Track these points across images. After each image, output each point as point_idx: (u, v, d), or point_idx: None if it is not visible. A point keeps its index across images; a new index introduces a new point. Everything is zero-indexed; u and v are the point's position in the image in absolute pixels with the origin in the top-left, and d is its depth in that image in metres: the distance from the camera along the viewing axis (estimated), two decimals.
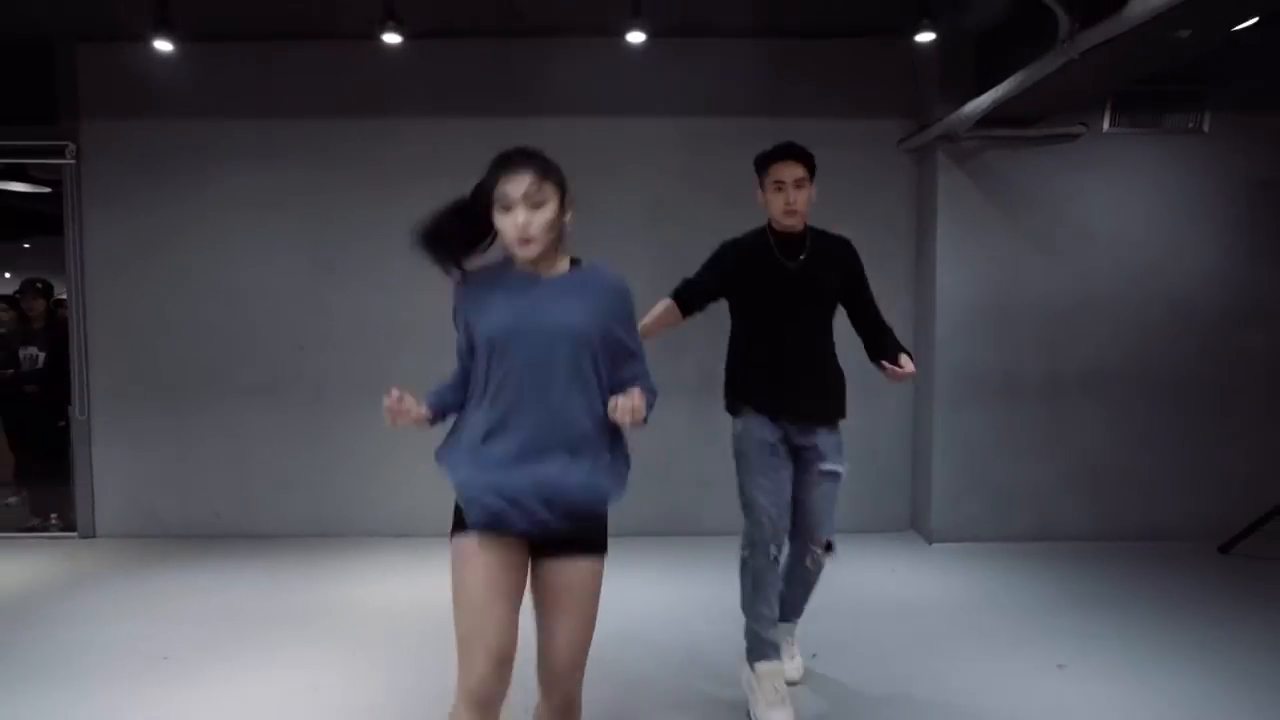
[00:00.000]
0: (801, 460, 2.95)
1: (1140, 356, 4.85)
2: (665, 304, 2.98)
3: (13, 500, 5.81)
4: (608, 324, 2.01)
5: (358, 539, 4.98)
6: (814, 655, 3.29)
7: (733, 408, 3.00)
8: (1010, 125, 4.63)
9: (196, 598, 4.08)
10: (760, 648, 2.91)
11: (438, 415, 2.18)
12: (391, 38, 4.14)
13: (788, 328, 2.93)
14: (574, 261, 2.09)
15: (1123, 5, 2.98)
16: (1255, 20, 3.33)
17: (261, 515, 5.09)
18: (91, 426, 5.09)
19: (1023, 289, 4.82)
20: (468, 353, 2.11)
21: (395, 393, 2.07)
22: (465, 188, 5.15)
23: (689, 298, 3.00)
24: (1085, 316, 4.83)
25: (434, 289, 5.12)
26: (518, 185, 1.93)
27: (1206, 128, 4.76)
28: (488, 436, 2.01)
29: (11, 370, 5.62)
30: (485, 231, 2.04)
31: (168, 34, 4.09)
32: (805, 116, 4.84)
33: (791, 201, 2.88)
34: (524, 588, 2.01)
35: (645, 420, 1.97)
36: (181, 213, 5.01)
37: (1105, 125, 4.74)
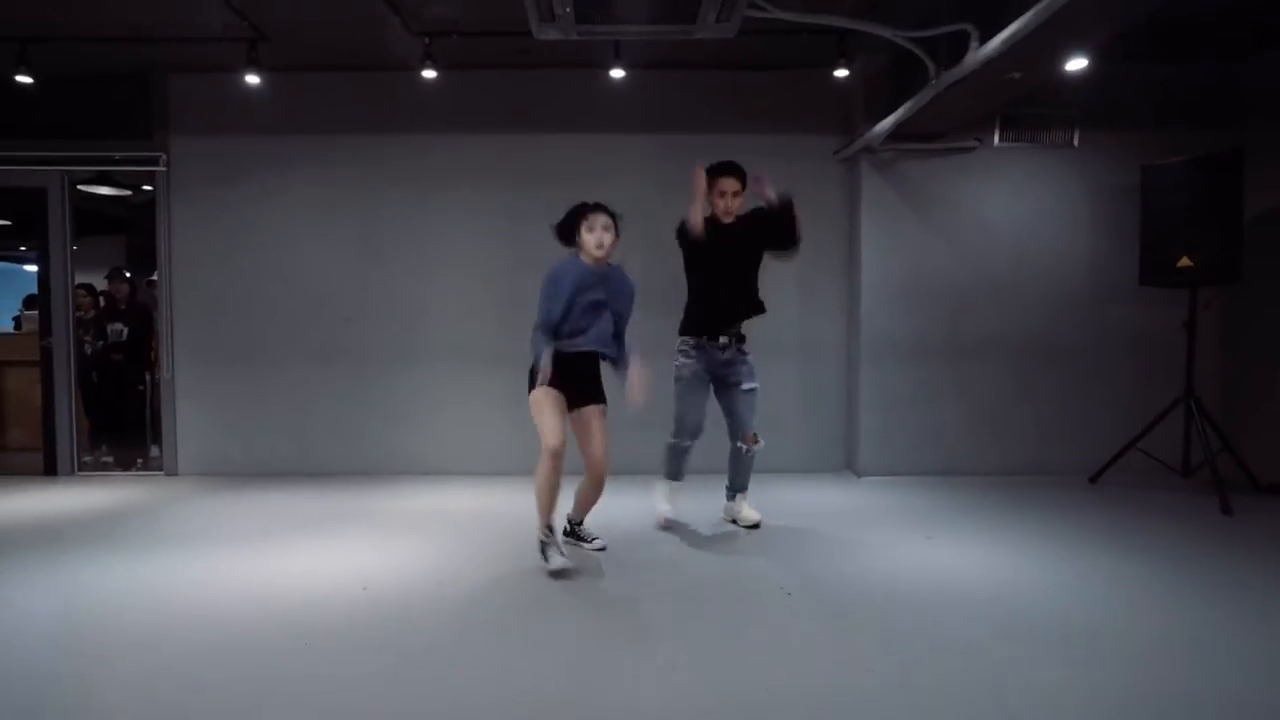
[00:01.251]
0: (726, 380, 4.35)
1: (1025, 326, 5.94)
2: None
3: (102, 457, 6.90)
4: (618, 299, 3.85)
5: (392, 475, 6.08)
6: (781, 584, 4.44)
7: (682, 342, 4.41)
8: (918, 140, 5.75)
9: (264, 508, 5.18)
10: (668, 472, 4.62)
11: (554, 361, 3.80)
12: (428, 72, 5.30)
13: (723, 275, 4.34)
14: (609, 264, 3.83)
15: (964, 55, 4.15)
16: (1084, 64, 4.49)
17: (313, 457, 6.17)
18: (175, 385, 6.18)
19: (931, 272, 5.93)
20: (567, 296, 3.76)
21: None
22: (481, 193, 6.63)
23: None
24: (981, 294, 5.93)
25: (452, 273, 6.32)
26: (599, 219, 3.76)
27: (1076, 142, 5.88)
28: (564, 336, 3.78)
29: (102, 342, 6.72)
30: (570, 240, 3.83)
31: (255, 70, 5.24)
32: (758, 133, 5.99)
33: (729, 209, 4.27)
34: (566, 410, 3.83)
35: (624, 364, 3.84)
36: (252, 211, 6.11)
37: (995, 140, 5.86)
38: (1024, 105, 5.76)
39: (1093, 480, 5.73)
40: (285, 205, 6.13)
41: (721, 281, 4.31)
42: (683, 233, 4.29)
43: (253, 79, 5.29)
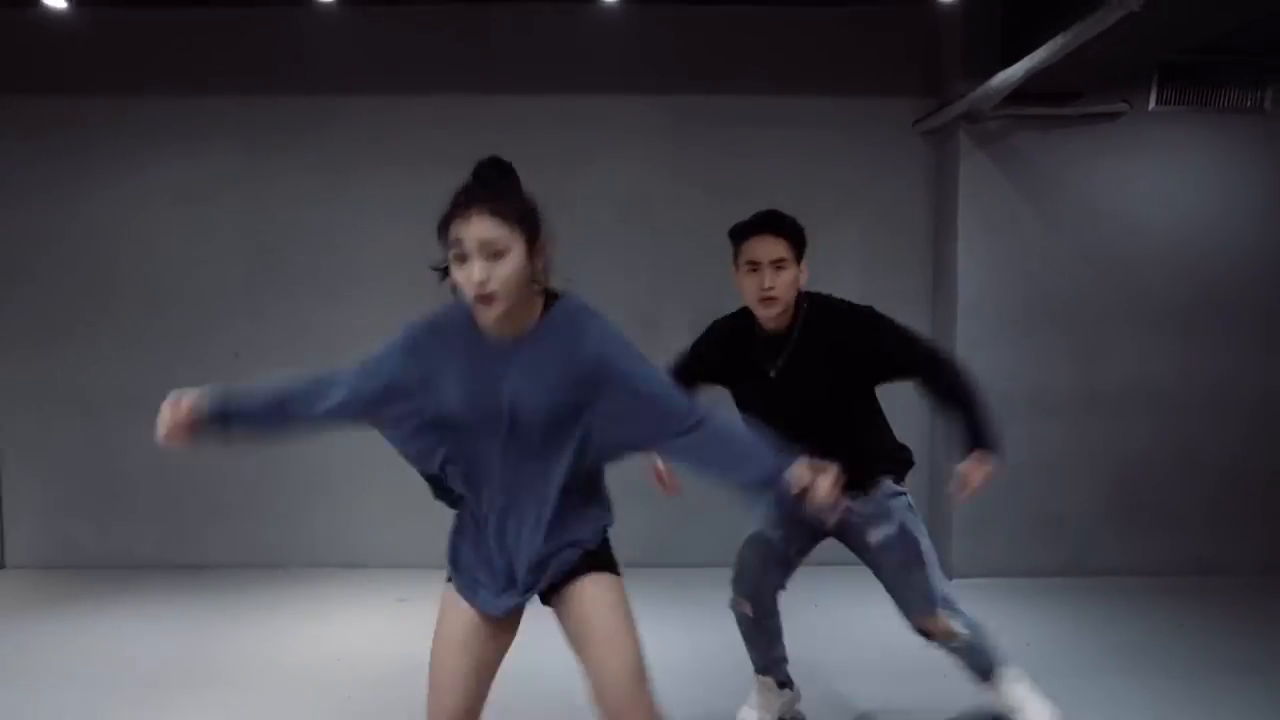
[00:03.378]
0: (848, 537, 2.56)
1: (1187, 368, 4.45)
2: None
3: None
4: (590, 396, 1.72)
5: (299, 570, 4.57)
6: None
7: None
8: (1043, 102, 4.22)
9: (110, 638, 3.69)
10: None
11: (219, 419, 1.86)
12: None
13: (778, 430, 2.37)
14: (548, 302, 1.76)
15: None
16: None
17: (190, 544, 4.68)
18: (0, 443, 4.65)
19: (1056, 291, 4.44)
20: (373, 404, 1.86)
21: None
22: (421, 176, 4.48)
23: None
24: (1126, 322, 4.44)
25: (378, 289, 4.72)
26: (473, 230, 1.63)
27: (1268, 105, 4.33)
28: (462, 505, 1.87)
29: None
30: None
31: None
32: (807, 94, 4.57)
33: (768, 287, 2.39)
34: (497, 649, 1.87)
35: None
36: (93, 204, 4.60)
37: (1151, 103, 4.34)
38: (1191, 53, 4.15)
39: None
40: (142, 194, 4.58)
41: (781, 435, 2.41)
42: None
43: (57, 3, 3.58)
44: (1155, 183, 4.39)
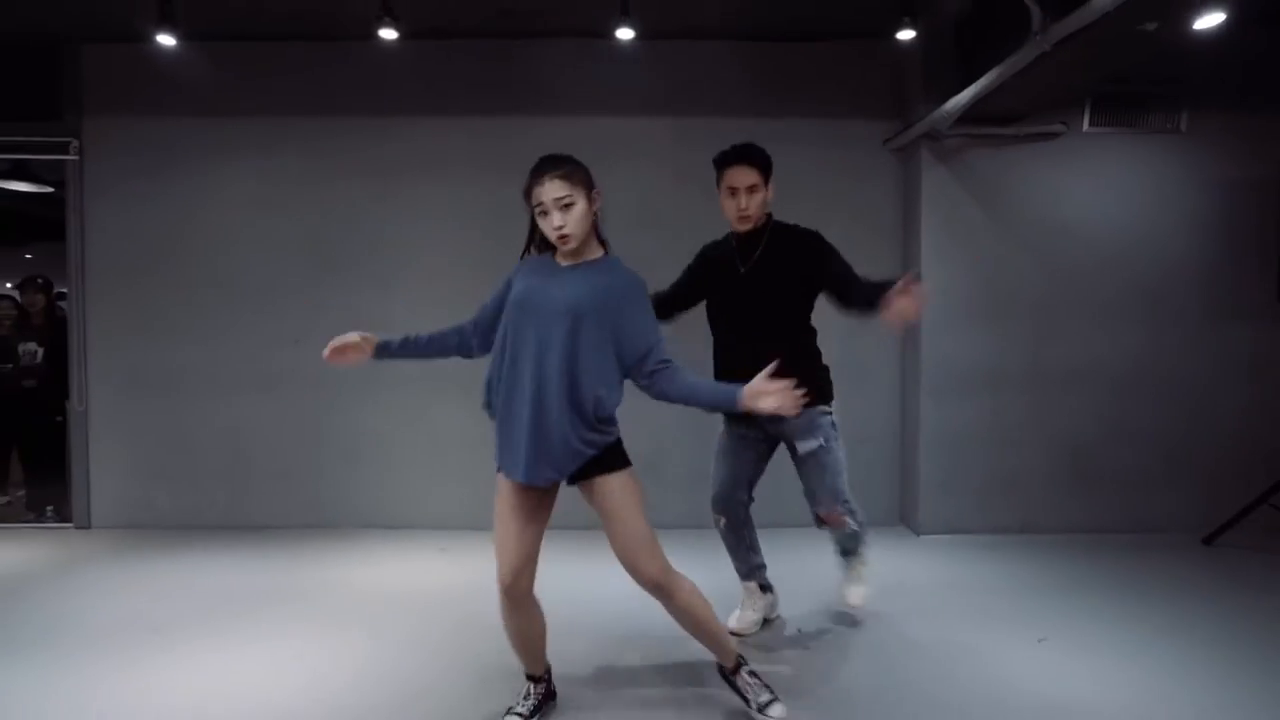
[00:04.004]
0: (784, 444, 3.18)
1: (1123, 350, 4.90)
2: None
3: (8, 498, 5.85)
4: (610, 309, 2.32)
5: (352, 530, 5.01)
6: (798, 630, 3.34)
7: None
8: (992, 123, 4.72)
9: (187, 581, 4.11)
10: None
11: (386, 351, 2.54)
12: (388, 34, 4.24)
13: (740, 329, 3.08)
14: (606, 253, 2.43)
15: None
16: (1221, 19, 3.42)
17: (256, 506, 5.12)
18: (89, 419, 5.13)
19: (1005, 284, 4.89)
20: (493, 314, 2.47)
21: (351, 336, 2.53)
22: (460, 184, 5.26)
23: (657, 305, 3.03)
24: (1067, 312, 4.89)
25: (423, 283, 5.25)
26: (549, 191, 2.29)
27: (1184, 127, 4.83)
28: (502, 392, 2.38)
29: (10, 365, 5.67)
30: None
31: (170, 30, 4.19)
32: (793, 116, 5.00)
33: (743, 207, 3.01)
34: (539, 515, 2.43)
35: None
36: (181, 210, 5.08)
37: (1085, 124, 4.82)
38: (1120, 82, 4.73)
39: (1207, 541, 4.65)
40: (222, 202, 5.10)
41: (742, 329, 3.08)
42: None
43: (167, 40, 4.23)
44: (1089, 192, 4.84)
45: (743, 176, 3.00)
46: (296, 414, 5.14)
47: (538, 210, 2.35)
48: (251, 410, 5.15)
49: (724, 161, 3.06)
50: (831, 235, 5.36)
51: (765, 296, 3.07)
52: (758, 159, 3.03)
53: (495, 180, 4.96)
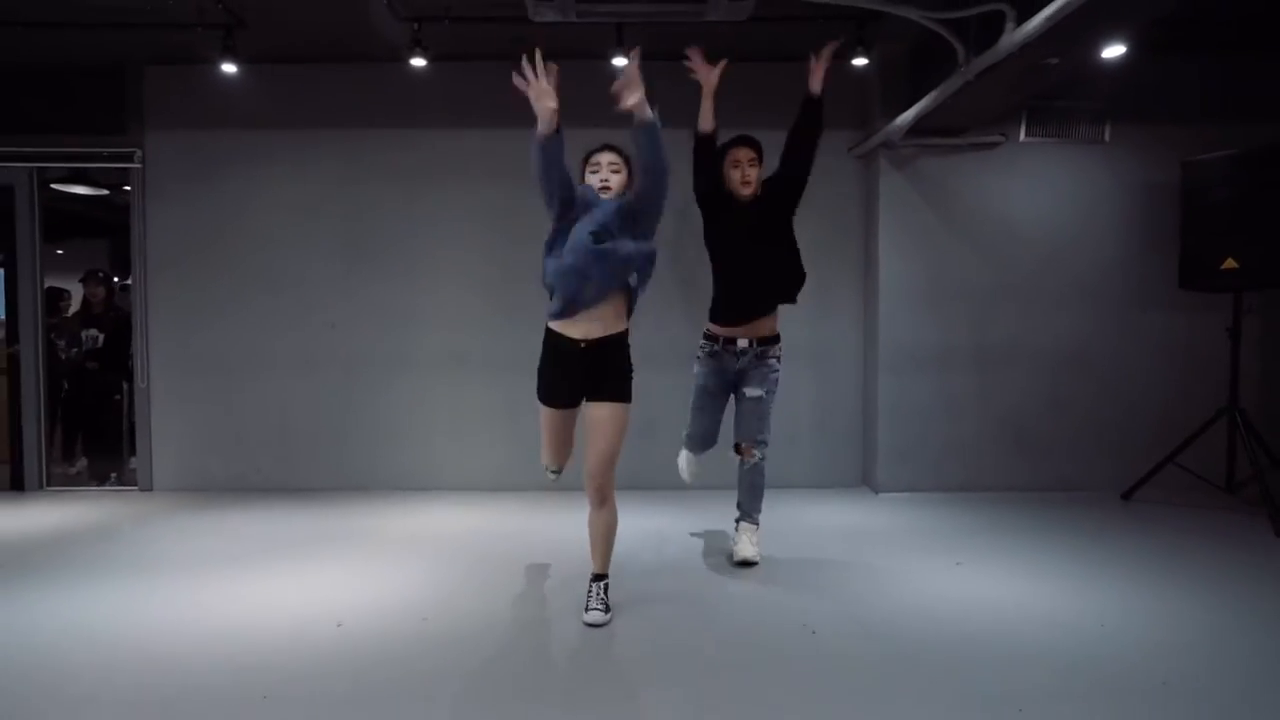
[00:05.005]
0: (737, 384, 4.03)
1: (1054, 333, 5.58)
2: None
3: (76, 468, 6.55)
4: (628, 240, 3.14)
5: (380, 491, 5.72)
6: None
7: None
8: (940, 135, 5.41)
9: (241, 528, 4.83)
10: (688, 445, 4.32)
11: (553, 137, 3.10)
12: (417, 60, 4.94)
13: (745, 253, 3.98)
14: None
15: (999, 38, 3.79)
16: (1122, 50, 4.14)
17: (297, 472, 5.81)
18: (150, 395, 5.83)
19: (953, 274, 5.57)
20: (567, 205, 3.17)
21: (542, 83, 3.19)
22: (474, 190, 6.05)
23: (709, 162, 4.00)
24: (1005, 298, 5.57)
25: (444, 276, 5.95)
26: (605, 158, 3.26)
27: (1108, 138, 5.52)
28: (554, 311, 3.19)
29: (76, 349, 6.36)
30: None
31: (232, 59, 4.89)
32: (771, 129, 5.58)
33: (747, 175, 3.91)
34: (571, 428, 3.42)
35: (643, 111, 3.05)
36: (231, 211, 5.76)
37: (1021, 135, 5.50)
38: (1051, 98, 5.44)
39: (1125, 497, 5.38)
40: (266, 204, 5.79)
41: (745, 267, 3.93)
42: (700, 189, 3.99)
43: (229, 68, 4.94)
44: (1026, 195, 5.51)
45: (746, 154, 3.94)
46: (332, 390, 5.84)
47: (589, 170, 3.31)
48: (292, 387, 5.85)
49: (732, 143, 3.97)
50: (802, 231, 6.03)
51: (763, 226, 3.99)
52: (756, 144, 4.00)
53: (509, 184, 5.69)
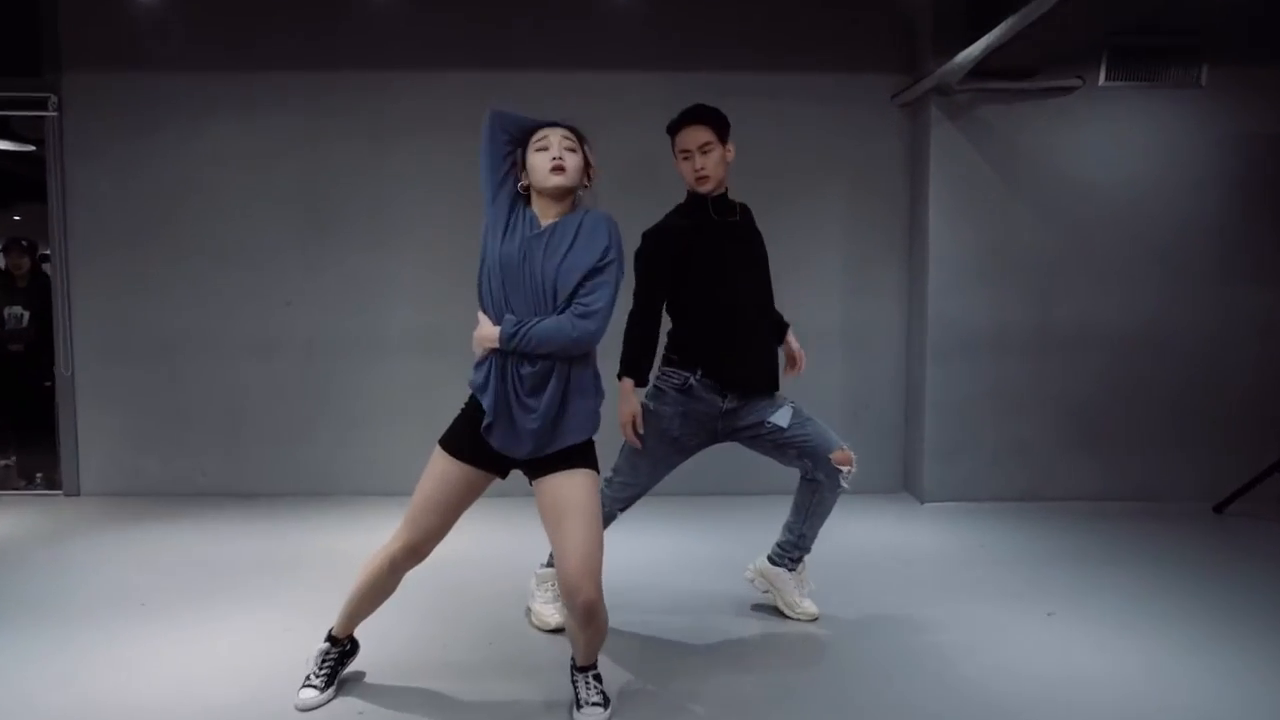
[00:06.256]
0: (731, 435, 3.01)
1: (1133, 313, 4.78)
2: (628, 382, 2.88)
3: (6, 462, 5.77)
4: (580, 260, 2.22)
5: (346, 498, 4.92)
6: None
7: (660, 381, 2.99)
8: (1005, 77, 4.58)
9: (176, 550, 4.03)
10: None
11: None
12: None
13: (742, 288, 2.96)
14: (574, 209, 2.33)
15: None
16: None
17: (248, 473, 5.03)
18: (76, 384, 5.03)
19: (1013, 244, 4.76)
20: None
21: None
22: (455, 143, 5.03)
23: (651, 327, 2.92)
24: (1076, 272, 4.77)
25: (419, 244, 5.12)
26: (557, 134, 2.28)
27: (1204, 82, 4.67)
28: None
29: None
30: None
31: None
32: (796, 71, 4.88)
33: (699, 166, 2.86)
34: (470, 501, 2.42)
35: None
36: (168, 168, 4.93)
37: (1101, 79, 4.66)
38: (1137, 34, 4.58)
39: (1218, 509, 4.59)
40: (210, 160, 4.94)
41: (739, 289, 2.92)
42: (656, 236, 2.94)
43: None
44: (1104, 150, 4.69)
45: (694, 136, 2.85)
46: (289, 379, 5.03)
47: (536, 147, 2.29)
48: (243, 375, 5.04)
49: (674, 127, 2.92)
50: (831, 197, 5.18)
51: (759, 257, 3.03)
52: (709, 117, 2.86)
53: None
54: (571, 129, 2.32)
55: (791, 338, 3.18)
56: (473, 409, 2.35)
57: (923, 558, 3.90)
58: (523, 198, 2.30)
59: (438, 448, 2.38)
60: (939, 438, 4.83)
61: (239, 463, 5.05)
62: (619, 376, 2.86)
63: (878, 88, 4.93)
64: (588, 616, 2.22)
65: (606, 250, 2.21)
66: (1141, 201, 4.75)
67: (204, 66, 4.88)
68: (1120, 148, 4.73)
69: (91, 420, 5.04)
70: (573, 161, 2.25)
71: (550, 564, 3.06)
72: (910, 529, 4.39)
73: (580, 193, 2.33)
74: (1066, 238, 4.76)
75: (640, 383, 2.91)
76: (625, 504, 3.03)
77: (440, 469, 2.36)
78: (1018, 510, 4.65)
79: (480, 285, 2.28)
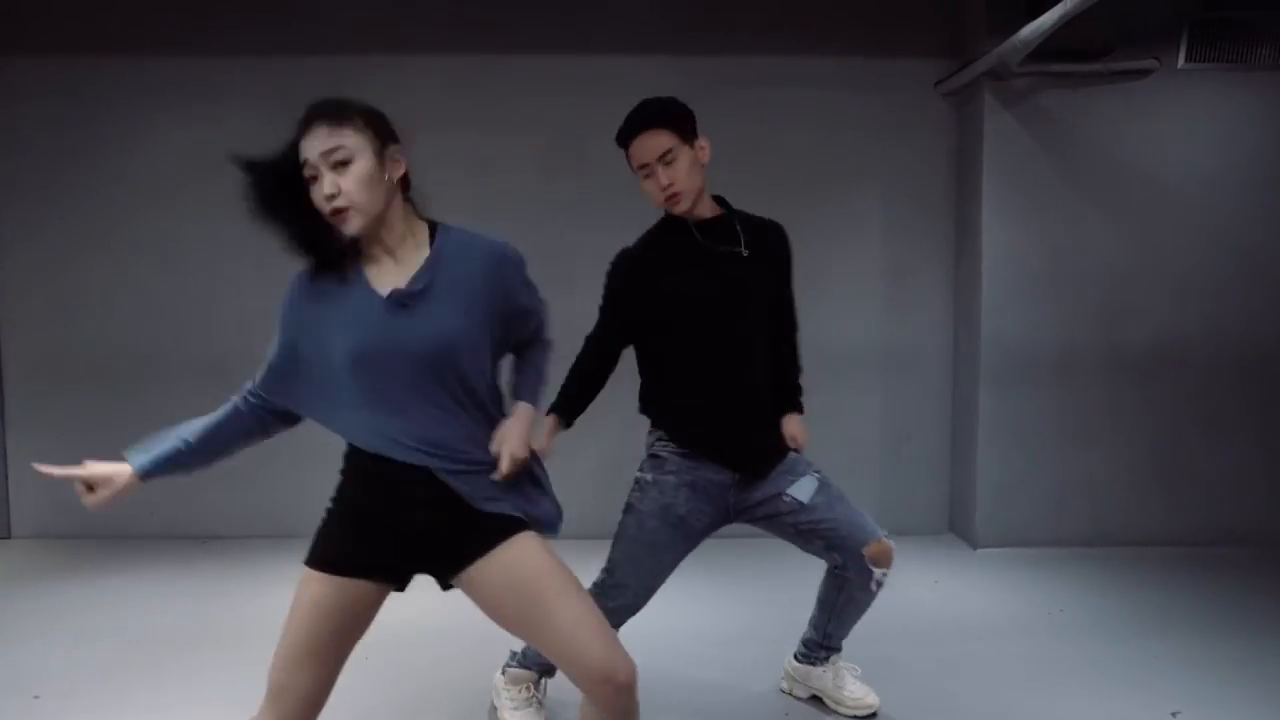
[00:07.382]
0: (743, 514, 2.37)
1: (1218, 332, 4.22)
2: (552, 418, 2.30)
3: None
4: (492, 310, 1.69)
5: (305, 541, 4.30)
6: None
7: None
8: (1071, 59, 4.00)
9: (101, 613, 3.44)
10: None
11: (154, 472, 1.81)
12: None
13: (734, 338, 2.28)
14: (432, 231, 1.72)
15: None
16: None
17: (202, 514, 4.46)
18: (4, 410, 4.46)
19: (1079, 252, 4.19)
20: (289, 363, 1.76)
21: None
22: (438, 131, 4.34)
23: (597, 364, 2.34)
24: (1153, 285, 4.20)
25: None
26: (313, 144, 1.62)
27: None
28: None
29: None
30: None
31: None
32: (825, 55, 4.38)
33: (665, 183, 2.19)
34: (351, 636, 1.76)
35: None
36: (108, 165, 4.38)
37: (1180, 60, 4.10)
38: (1222, 8, 4.04)
39: None
40: (155, 155, 4.37)
41: (727, 339, 2.26)
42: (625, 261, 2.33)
43: None
44: (1184, 142, 4.14)
45: (650, 146, 2.18)
46: None
47: (308, 179, 1.69)
48: (195, 400, 4.33)
49: (623, 138, 2.23)
50: (867, 199, 4.56)
51: (762, 292, 2.32)
52: (663, 116, 2.19)
53: (476, 132, 4.31)
54: (328, 122, 1.68)
55: (793, 422, 2.43)
56: (348, 504, 1.78)
57: (988, 627, 3.26)
58: None
59: (305, 573, 1.71)
60: (993, 474, 4.22)
61: (190, 502, 4.45)
62: (547, 411, 2.27)
63: (918, 73, 4.38)
64: (628, 707, 1.61)
65: None
66: (1227, 202, 4.18)
67: (148, 49, 4.33)
68: (1203, 140, 4.17)
69: (23, 451, 4.47)
70: (350, 182, 1.67)
71: (522, 661, 2.44)
72: (966, 584, 3.76)
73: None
74: (1140, 244, 4.19)
75: (565, 425, 2.32)
76: (616, 618, 2.26)
77: (312, 597, 1.69)
78: (1085, 559, 4.04)
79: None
